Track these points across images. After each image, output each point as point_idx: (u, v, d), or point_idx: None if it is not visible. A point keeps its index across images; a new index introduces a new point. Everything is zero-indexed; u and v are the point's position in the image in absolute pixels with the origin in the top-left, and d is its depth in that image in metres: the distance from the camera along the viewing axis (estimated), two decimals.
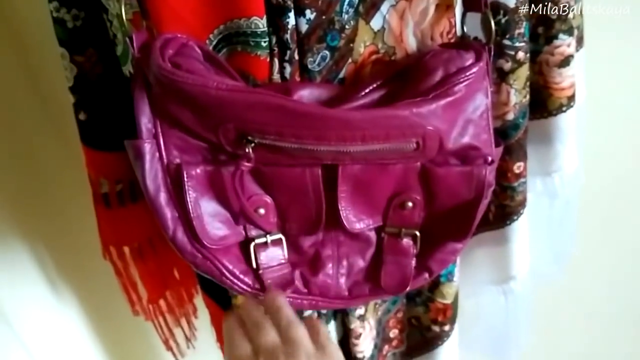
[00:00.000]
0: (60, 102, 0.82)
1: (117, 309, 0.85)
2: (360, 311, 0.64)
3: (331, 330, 0.66)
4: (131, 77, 0.53)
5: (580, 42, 0.64)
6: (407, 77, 0.45)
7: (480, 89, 0.45)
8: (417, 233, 0.49)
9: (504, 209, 0.61)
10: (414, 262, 0.50)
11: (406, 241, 0.50)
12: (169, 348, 0.83)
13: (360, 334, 0.65)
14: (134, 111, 0.46)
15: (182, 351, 0.85)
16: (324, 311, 0.63)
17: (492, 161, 0.47)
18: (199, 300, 0.82)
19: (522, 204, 0.60)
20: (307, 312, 0.61)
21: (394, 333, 0.73)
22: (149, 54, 0.44)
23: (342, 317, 0.65)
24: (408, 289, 0.50)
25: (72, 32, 0.55)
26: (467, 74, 0.44)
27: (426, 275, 0.50)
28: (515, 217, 0.61)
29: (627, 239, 1.01)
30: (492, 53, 0.46)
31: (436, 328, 0.70)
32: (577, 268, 0.84)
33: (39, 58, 0.78)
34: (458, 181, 0.47)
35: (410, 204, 0.48)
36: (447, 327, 0.70)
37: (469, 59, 0.44)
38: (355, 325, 0.65)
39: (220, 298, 0.67)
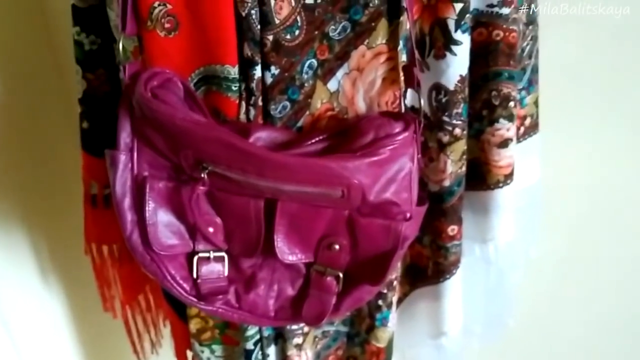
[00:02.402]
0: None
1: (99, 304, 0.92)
2: (298, 340, 0.70)
3: (271, 354, 0.71)
4: None
5: (535, 128, 0.71)
6: (345, 135, 0.53)
7: (405, 154, 0.52)
8: (340, 274, 0.55)
9: (438, 267, 0.66)
10: (334, 300, 0.56)
11: (330, 280, 0.56)
12: (136, 351, 0.89)
13: None
14: (117, 126, 0.54)
15: (146, 356, 0.91)
16: (265, 334, 0.69)
17: (410, 217, 0.53)
18: None
19: (455, 264, 0.66)
20: (250, 331, 0.68)
21: None
22: (135, 81, 0.52)
23: (281, 343, 0.71)
24: (324, 322, 0.56)
25: (87, 54, 0.65)
26: (393, 140, 0.51)
27: (339, 312, 0.56)
28: (449, 276, 0.67)
29: (580, 305, 1.04)
30: (422, 125, 0.53)
31: None
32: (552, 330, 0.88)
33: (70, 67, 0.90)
34: (378, 232, 0.53)
35: (337, 246, 0.54)
36: None
37: (398, 127, 0.52)
38: (291, 352, 0.70)
39: (179, 307, 0.73)
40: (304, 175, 0.50)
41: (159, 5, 0.51)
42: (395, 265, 0.54)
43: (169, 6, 0.51)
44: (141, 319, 0.88)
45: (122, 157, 0.54)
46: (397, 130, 0.51)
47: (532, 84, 0.67)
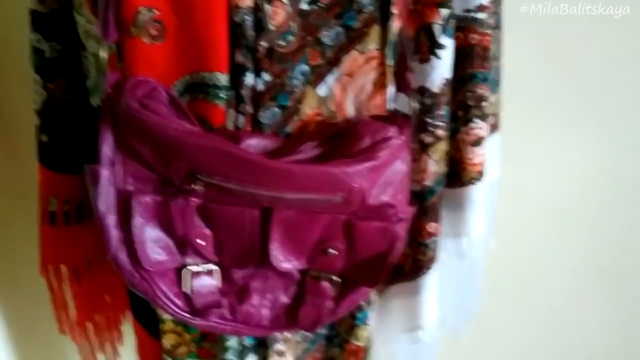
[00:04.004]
0: (18, 126, 0.87)
1: (43, 328, 0.86)
2: (280, 346, 0.69)
3: None
4: (98, 108, 0.58)
5: (496, 127, 0.75)
6: (340, 140, 0.53)
7: (400, 157, 0.53)
8: (336, 278, 0.56)
9: (417, 263, 0.68)
10: (330, 304, 0.56)
11: (325, 284, 0.56)
12: None
13: None
14: (98, 139, 0.51)
15: None
16: (246, 343, 0.68)
17: (404, 219, 0.55)
18: (126, 328, 0.85)
19: (433, 259, 0.68)
20: (231, 342, 0.66)
21: None
22: (120, 91, 0.50)
23: (262, 351, 0.70)
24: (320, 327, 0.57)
25: (48, 62, 0.60)
26: (390, 144, 0.52)
27: (335, 315, 0.57)
28: (426, 271, 0.69)
29: (532, 296, 1.11)
30: (414, 128, 0.55)
31: None
32: (488, 324, 0.92)
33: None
34: (375, 234, 0.54)
35: (333, 251, 0.54)
36: None
37: (393, 131, 0.53)
38: (273, 359, 0.69)
39: (149, 324, 0.70)
40: (306, 182, 0.50)
41: (145, 10, 0.48)
42: (391, 265, 0.55)
43: (156, 12, 0.49)
44: (97, 338, 0.84)
45: (105, 172, 0.51)
46: (392, 134, 0.53)
47: (496, 84, 0.70)
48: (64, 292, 0.76)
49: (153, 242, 0.53)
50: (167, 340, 0.68)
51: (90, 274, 0.76)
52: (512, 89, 0.75)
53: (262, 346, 0.69)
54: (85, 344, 0.81)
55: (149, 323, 0.70)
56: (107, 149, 0.51)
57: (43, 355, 0.99)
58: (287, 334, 0.69)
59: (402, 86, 0.54)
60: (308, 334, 0.73)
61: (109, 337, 0.85)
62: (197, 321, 0.55)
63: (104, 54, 0.50)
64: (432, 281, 0.71)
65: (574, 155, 0.96)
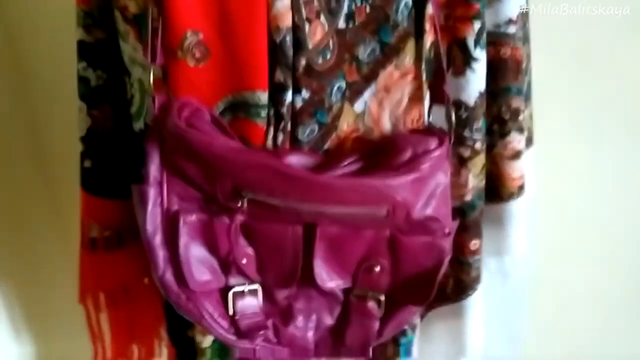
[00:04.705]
0: (53, 159, 0.90)
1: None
2: None
3: None
4: (140, 133, 0.60)
5: (530, 141, 0.74)
6: (381, 153, 0.53)
7: (441, 169, 0.53)
8: (382, 298, 0.55)
9: (460, 284, 0.67)
10: (377, 325, 0.55)
11: (371, 304, 0.55)
12: None
13: None
14: (145, 160, 0.52)
15: None
16: None
17: (449, 233, 0.54)
18: None
19: (477, 279, 0.67)
20: None
21: None
22: (167, 113, 0.51)
23: None
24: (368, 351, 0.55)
25: (93, 90, 0.63)
26: (431, 155, 0.52)
27: (382, 337, 0.56)
28: (471, 292, 0.67)
29: (574, 315, 1.07)
30: (452, 141, 0.55)
31: None
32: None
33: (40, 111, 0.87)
34: (421, 250, 0.53)
35: (378, 268, 0.54)
36: None
37: (433, 143, 0.53)
38: None
39: (188, 352, 0.70)
40: (349, 195, 0.50)
41: (191, 34, 0.50)
42: (438, 281, 0.54)
43: (201, 35, 0.50)
44: None
45: (152, 192, 0.52)
46: (433, 146, 0.52)
47: (528, 98, 0.70)
48: (101, 322, 0.77)
49: (198, 262, 0.53)
50: None
51: (126, 301, 0.76)
52: None
53: None
54: None
55: (188, 352, 0.70)
56: (153, 168, 0.52)
57: None
58: None
59: (440, 99, 0.55)
60: None
61: None
62: (243, 343, 0.55)
63: (150, 78, 0.51)
64: (476, 302, 0.69)
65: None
